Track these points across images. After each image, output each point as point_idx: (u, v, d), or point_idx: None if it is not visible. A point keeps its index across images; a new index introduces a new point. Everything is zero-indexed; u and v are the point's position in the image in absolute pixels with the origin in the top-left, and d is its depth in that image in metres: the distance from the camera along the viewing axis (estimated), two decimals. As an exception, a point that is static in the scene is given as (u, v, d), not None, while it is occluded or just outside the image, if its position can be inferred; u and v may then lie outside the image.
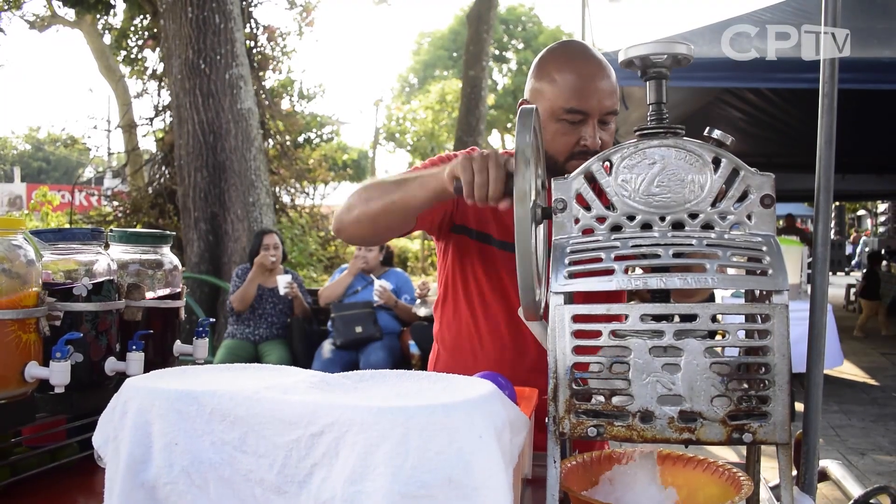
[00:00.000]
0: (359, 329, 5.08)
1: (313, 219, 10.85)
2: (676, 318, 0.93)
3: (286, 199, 10.61)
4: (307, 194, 11.41)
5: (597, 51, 1.70)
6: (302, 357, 5.32)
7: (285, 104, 12.37)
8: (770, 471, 1.14)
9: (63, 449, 1.50)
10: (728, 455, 4.52)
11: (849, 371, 7.74)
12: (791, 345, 0.90)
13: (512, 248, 1.60)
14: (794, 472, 1.18)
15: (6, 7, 12.39)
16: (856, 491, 1.33)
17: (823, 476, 1.40)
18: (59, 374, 1.26)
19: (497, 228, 1.71)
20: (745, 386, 0.92)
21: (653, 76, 1.03)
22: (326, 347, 5.25)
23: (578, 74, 1.62)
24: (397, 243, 13.77)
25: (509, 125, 28.61)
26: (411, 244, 17.65)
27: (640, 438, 0.91)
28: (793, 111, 8.05)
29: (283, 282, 5.33)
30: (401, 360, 5.26)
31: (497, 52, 28.61)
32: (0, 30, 12.55)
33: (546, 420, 0.95)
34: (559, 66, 1.64)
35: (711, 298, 1.66)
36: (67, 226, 9.18)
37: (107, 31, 11.83)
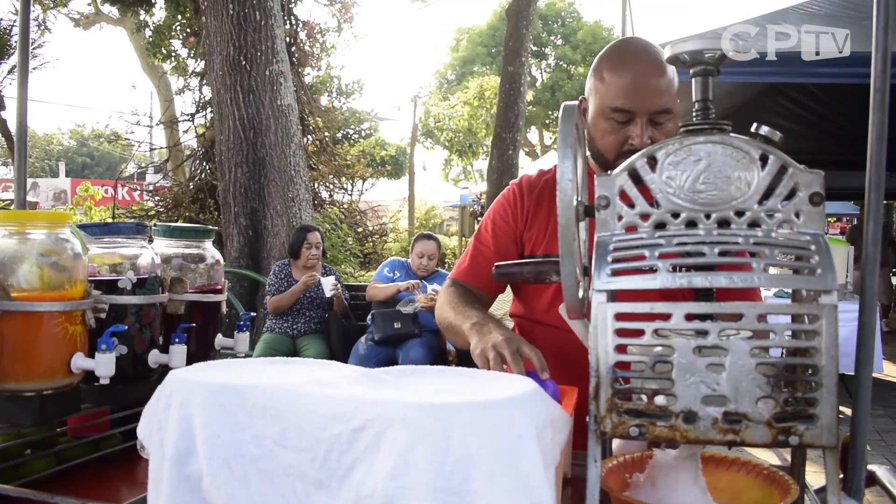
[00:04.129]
0: (397, 325, 5.08)
1: (350, 214, 10.90)
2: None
3: (324, 194, 10.68)
4: (345, 190, 11.48)
5: (656, 49, 1.66)
6: (339, 352, 5.34)
7: (324, 100, 12.45)
8: (812, 475, 1.12)
9: (107, 439, 1.52)
10: (769, 458, 4.46)
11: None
12: (836, 346, 0.88)
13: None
14: (840, 477, 1.15)
15: (51, 5, 12.63)
16: (904, 496, 1.30)
17: (870, 481, 1.36)
18: (104, 365, 1.28)
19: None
20: (792, 388, 0.90)
21: (700, 72, 1.01)
22: (364, 343, 5.27)
23: (626, 73, 1.61)
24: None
25: (548, 121, 28.46)
26: (449, 241, 17.66)
27: (683, 439, 0.90)
28: (839, 107, 7.88)
29: (328, 284, 5.37)
30: (439, 357, 5.26)
31: (536, 48, 28.48)
32: (47, 28, 12.77)
33: (587, 419, 0.94)
34: (611, 65, 1.64)
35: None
36: (110, 220, 9.34)
37: (145, 29, 11.97)
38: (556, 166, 1.83)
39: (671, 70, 1.63)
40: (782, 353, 0.91)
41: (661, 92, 1.59)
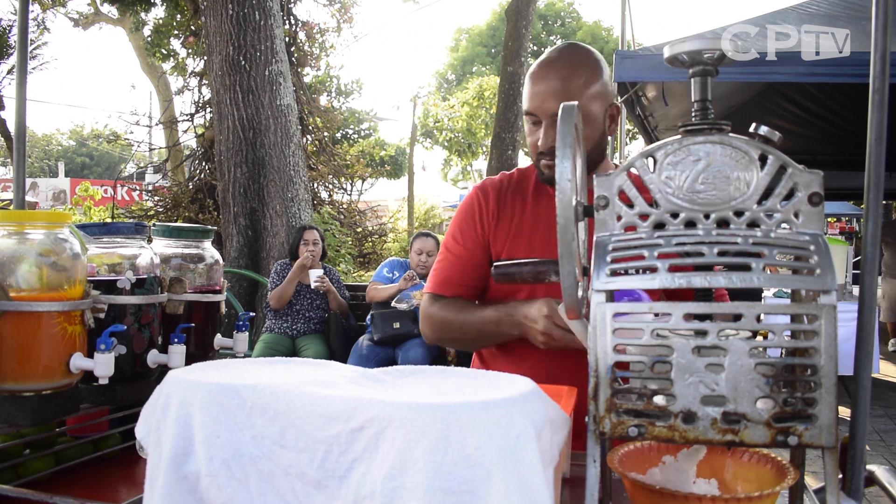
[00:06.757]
0: (397, 325, 5.09)
1: (349, 214, 10.90)
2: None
3: (324, 194, 10.67)
4: (345, 190, 11.48)
5: (577, 53, 1.70)
6: (339, 352, 5.35)
7: (323, 100, 12.45)
8: (810, 476, 1.12)
9: (106, 439, 1.52)
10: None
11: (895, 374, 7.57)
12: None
13: None
14: (840, 477, 1.15)
15: (51, 5, 12.63)
16: (903, 496, 1.30)
17: (869, 481, 1.36)
18: (103, 365, 1.28)
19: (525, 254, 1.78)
20: (791, 388, 0.90)
21: (698, 73, 1.01)
22: (363, 343, 5.27)
23: (532, 78, 1.68)
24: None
25: (547, 121, 28.41)
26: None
27: (682, 439, 0.90)
28: (838, 107, 7.89)
29: (314, 275, 5.36)
30: (438, 357, 5.26)
31: (535, 48, 28.49)
32: (46, 28, 12.76)
33: (586, 419, 0.94)
34: (529, 72, 1.72)
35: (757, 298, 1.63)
36: (109, 220, 9.34)
37: (144, 28, 11.98)
38: (518, 168, 1.88)
39: (586, 73, 1.66)
40: (781, 354, 0.91)
41: (554, 94, 1.63)
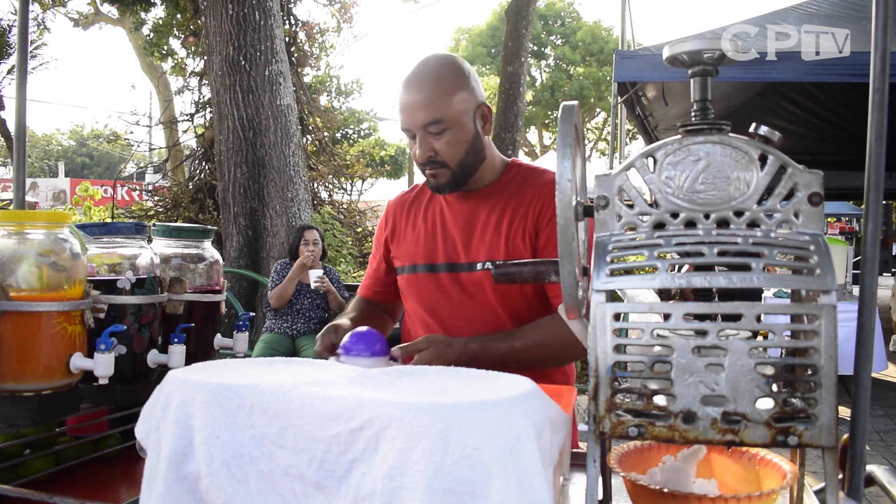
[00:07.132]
0: (396, 325, 5.08)
1: (349, 214, 10.90)
2: (719, 318, 0.92)
3: (324, 194, 10.66)
4: (345, 190, 11.47)
5: (432, 64, 1.75)
6: (339, 352, 5.33)
7: (323, 100, 12.44)
8: (809, 476, 1.11)
9: (105, 439, 1.53)
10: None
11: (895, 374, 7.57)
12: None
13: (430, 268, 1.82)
14: (840, 477, 1.15)
15: (51, 4, 12.62)
16: (903, 497, 1.30)
17: (869, 481, 1.36)
18: (103, 365, 1.28)
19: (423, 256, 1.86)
20: (791, 388, 0.90)
21: (698, 73, 1.01)
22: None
23: (400, 96, 1.74)
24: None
25: (547, 121, 28.46)
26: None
27: (682, 439, 0.90)
28: (838, 107, 7.88)
29: (314, 275, 5.34)
30: (437, 357, 5.25)
31: (535, 48, 28.48)
32: (46, 28, 12.76)
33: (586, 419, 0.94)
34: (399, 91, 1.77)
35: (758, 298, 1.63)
36: (109, 220, 9.33)
37: (143, 27, 11.98)
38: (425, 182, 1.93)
39: (446, 81, 1.71)
40: (781, 354, 0.91)
41: (419, 107, 1.69)
